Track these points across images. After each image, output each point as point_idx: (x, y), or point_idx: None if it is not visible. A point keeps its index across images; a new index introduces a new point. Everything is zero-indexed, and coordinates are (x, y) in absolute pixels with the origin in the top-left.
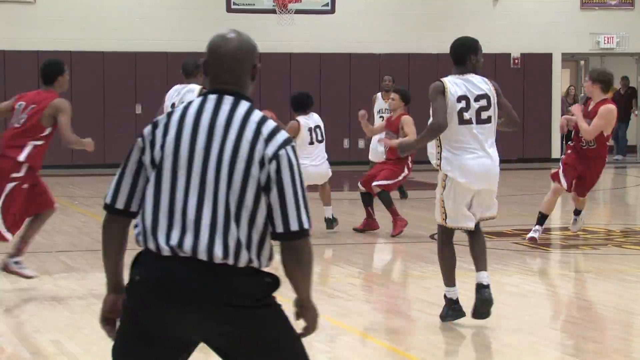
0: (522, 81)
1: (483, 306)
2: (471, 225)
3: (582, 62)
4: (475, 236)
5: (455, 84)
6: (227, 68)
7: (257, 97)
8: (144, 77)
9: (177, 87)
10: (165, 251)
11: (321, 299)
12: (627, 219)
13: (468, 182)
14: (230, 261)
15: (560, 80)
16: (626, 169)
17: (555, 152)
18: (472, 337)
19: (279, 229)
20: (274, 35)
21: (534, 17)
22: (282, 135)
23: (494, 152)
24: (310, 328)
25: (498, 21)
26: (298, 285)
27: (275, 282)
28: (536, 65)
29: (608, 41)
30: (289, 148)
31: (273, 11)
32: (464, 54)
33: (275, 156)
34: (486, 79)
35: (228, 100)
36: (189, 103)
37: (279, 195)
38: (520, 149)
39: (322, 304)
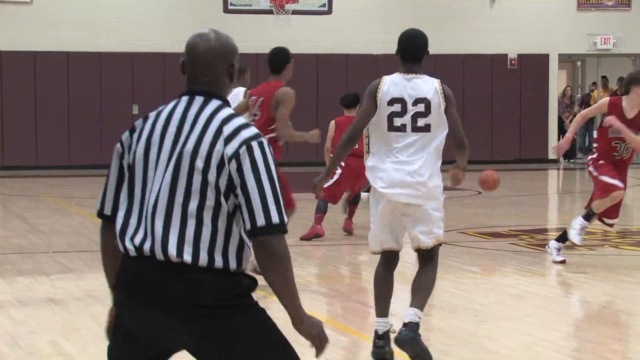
0: (518, 82)
1: (398, 343)
2: (394, 246)
3: (578, 63)
4: (422, 268)
5: (394, 84)
6: (201, 69)
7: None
8: (140, 77)
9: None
10: (132, 252)
11: (318, 300)
12: (624, 220)
13: (385, 191)
14: (188, 260)
15: (557, 81)
16: None
17: (552, 153)
18: (469, 337)
19: (247, 225)
20: (270, 36)
21: (531, 18)
22: (247, 132)
23: (426, 165)
24: (314, 345)
25: (495, 22)
26: (279, 292)
27: (248, 284)
28: (533, 66)
29: (605, 42)
30: (254, 143)
31: (270, 12)
32: (422, 50)
33: (235, 155)
34: (437, 81)
35: (198, 101)
36: (164, 106)
37: (242, 191)
38: (517, 150)
39: (320, 305)
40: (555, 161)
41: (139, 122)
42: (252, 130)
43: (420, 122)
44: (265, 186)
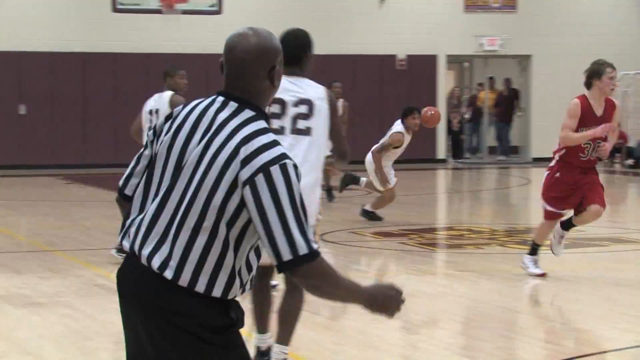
0: (407, 82)
1: None
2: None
3: (466, 64)
4: (286, 292)
5: None
6: (236, 71)
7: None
8: (28, 77)
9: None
10: (126, 248)
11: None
12: (511, 219)
13: None
14: (169, 276)
15: (444, 82)
16: (509, 170)
17: (440, 153)
18: (356, 335)
19: (274, 262)
20: (160, 36)
21: (419, 19)
22: (267, 155)
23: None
24: (388, 315)
25: (383, 22)
26: (337, 300)
27: (234, 318)
28: (421, 67)
29: (491, 43)
30: (273, 168)
31: (159, 11)
32: (302, 50)
33: (250, 181)
34: (323, 89)
35: (230, 107)
36: (202, 101)
37: (262, 223)
38: (406, 149)
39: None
40: (444, 161)
41: (178, 109)
42: (274, 152)
43: (301, 124)
44: (287, 215)
